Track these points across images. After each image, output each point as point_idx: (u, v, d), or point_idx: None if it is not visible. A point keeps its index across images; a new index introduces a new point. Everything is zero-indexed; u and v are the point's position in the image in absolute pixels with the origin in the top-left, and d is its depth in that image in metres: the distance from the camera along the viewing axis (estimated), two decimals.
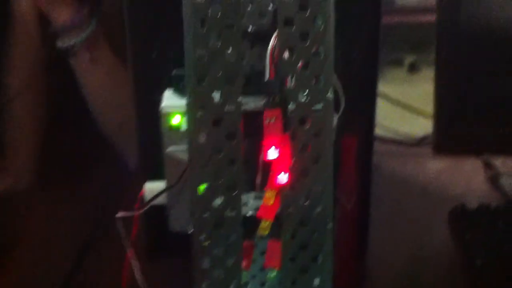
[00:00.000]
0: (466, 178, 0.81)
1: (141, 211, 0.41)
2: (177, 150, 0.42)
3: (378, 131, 0.85)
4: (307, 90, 0.35)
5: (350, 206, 0.56)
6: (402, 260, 0.65)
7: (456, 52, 0.65)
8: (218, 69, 0.34)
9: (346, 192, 0.56)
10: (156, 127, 0.42)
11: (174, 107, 0.41)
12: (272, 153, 0.35)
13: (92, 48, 0.70)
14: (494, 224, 0.66)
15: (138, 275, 0.41)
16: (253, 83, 0.38)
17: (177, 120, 0.41)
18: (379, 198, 0.69)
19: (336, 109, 0.39)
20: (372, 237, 0.64)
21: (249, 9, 0.41)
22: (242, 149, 0.36)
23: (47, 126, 0.76)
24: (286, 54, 0.35)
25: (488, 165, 0.82)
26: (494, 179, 0.79)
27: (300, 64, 0.35)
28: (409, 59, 1.48)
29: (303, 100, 0.35)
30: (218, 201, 0.37)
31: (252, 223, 0.37)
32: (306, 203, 0.37)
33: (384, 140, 0.89)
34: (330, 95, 0.35)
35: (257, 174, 0.38)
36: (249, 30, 0.41)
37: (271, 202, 0.36)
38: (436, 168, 0.83)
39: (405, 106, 0.97)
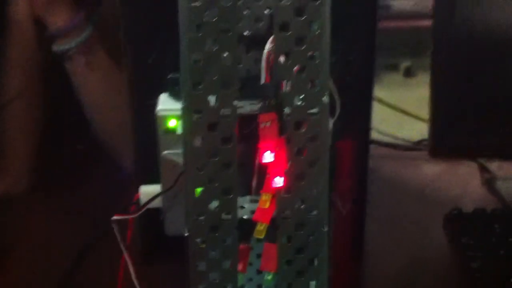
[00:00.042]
0: (462, 181, 0.81)
1: (137, 214, 0.41)
2: (172, 153, 0.42)
3: (375, 135, 0.85)
4: (303, 94, 0.35)
5: (346, 210, 0.57)
6: (398, 264, 0.65)
7: (452, 57, 0.65)
8: (214, 73, 0.34)
9: (342, 196, 0.56)
10: (152, 131, 0.42)
11: (169, 110, 0.41)
12: (268, 157, 0.35)
13: (88, 53, 0.70)
14: (490, 227, 0.66)
15: (133, 278, 0.41)
16: (249, 87, 0.38)
17: (172, 123, 0.41)
18: (375, 201, 0.69)
19: (332, 113, 0.39)
20: (368, 241, 0.64)
21: (245, 13, 0.41)
22: (238, 153, 0.36)
23: (44, 128, 0.76)
24: (282, 59, 0.35)
25: (484, 169, 0.82)
26: (490, 182, 0.79)
27: (296, 68, 0.35)
28: (405, 64, 1.49)
29: (298, 104, 0.35)
30: (214, 204, 0.37)
31: (248, 226, 0.37)
32: (302, 207, 0.37)
33: (380, 144, 0.89)
34: (325, 99, 0.35)
35: (252, 177, 0.38)
36: (245, 33, 0.41)
37: (267, 205, 0.36)
38: (432, 172, 0.83)
39: (401, 110, 0.97)
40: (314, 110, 0.35)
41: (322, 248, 0.38)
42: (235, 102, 0.35)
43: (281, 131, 0.35)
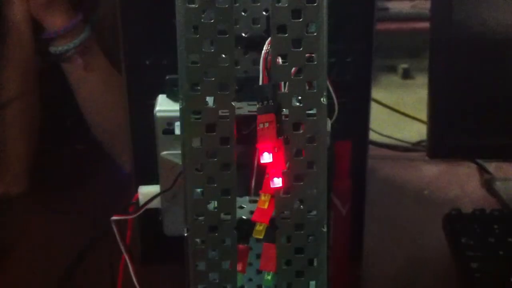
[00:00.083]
0: (461, 182, 0.81)
1: (136, 214, 0.41)
2: (171, 154, 0.42)
3: (374, 136, 0.85)
4: (301, 95, 0.35)
5: (345, 210, 0.57)
6: (397, 264, 0.65)
7: (449, 58, 0.66)
8: (212, 74, 0.35)
9: (341, 197, 0.56)
10: (150, 131, 0.42)
11: (168, 111, 0.41)
12: (267, 157, 0.35)
13: (86, 54, 0.71)
14: (489, 228, 0.66)
15: (133, 278, 0.41)
16: (247, 88, 0.38)
17: (171, 124, 0.41)
18: (375, 202, 0.69)
19: (331, 114, 0.39)
20: (367, 241, 0.64)
21: (243, 15, 0.41)
22: (236, 153, 0.36)
23: (43, 129, 0.76)
24: (279, 60, 0.35)
25: (482, 170, 0.82)
26: (489, 183, 0.79)
27: (293, 69, 0.35)
28: (403, 66, 1.49)
29: (297, 105, 0.35)
30: (212, 205, 0.37)
31: (247, 226, 0.37)
32: (302, 207, 0.37)
33: (379, 145, 0.89)
34: (323, 100, 0.35)
35: (251, 178, 0.38)
36: (244, 35, 0.42)
37: (266, 205, 0.37)
38: (431, 172, 0.83)
39: (400, 111, 0.98)
40: (312, 111, 0.36)
41: (322, 248, 0.38)
42: (233, 103, 0.35)
43: (280, 132, 0.35)
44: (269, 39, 0.35)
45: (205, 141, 0.36)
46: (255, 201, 0.37)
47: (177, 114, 0.36)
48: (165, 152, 0.42)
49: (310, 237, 0.37)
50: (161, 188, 0.42)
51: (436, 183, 0.81)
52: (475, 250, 0.63)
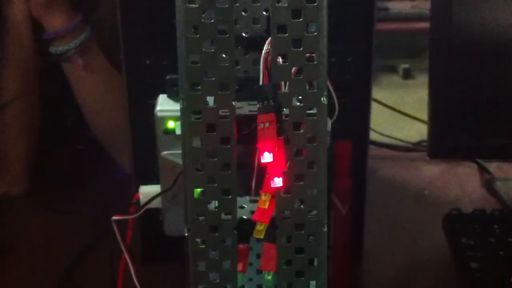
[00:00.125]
0: (461, 182, 0.81)
1: (136, 214, 0.41)
2: (171, 154, 0.42)
3: (374, 136, 0.85)
4: (301, 95, 0.35)
5: (345, 210, 0.57)
6: (397, 264, 0.65)
7: (450, 58, 0.66)
8: (212, 74, 0.35)
9: (341, 196, 0.56)
10: (151, 131, 0.42)
11: (168, 111, 0.41)
12: (267, 157, 0.35)
13: (86, 54, 0.71)
14: (490, 228, 0.66)
15: (133, 278, 0.41)
16: (247, 88, 0.38)
17: (171, 124, 0.41)
18: (375, 202, 0.69)
19: (331, 114, 0.39)
20: (367, 241, 0.64)
21: (243, 14, 0.41)
22: (237, 153, 0.36)
23: (43, 129, 0.76)
24: (279, 60, 0.35)
25: (483, 170, 0.82)
26: (489, 183, 0.79)
27: (294, 69, 0.35)
28: (403, 66, 1.49)
29: (297, 104, 0.35)
30: (213, 204, 0.37)
31: (247, 226, 0.37)
32: (302, 207, 0.37)
33: (380, 145, 0.89)
34: (324, 99, 0.35)
35: (252, 177, 0.38)
36: (244, 35, 0.42)
37: (266, 205, 0.37)
38: (431, 172, 0.83)
39: (400, 111, 0.98)
40: (313, 111, 0.36)
41: (322, 248, 0.38)
42: (234, 103, 0.35)
43: (280, 131, 0.35)
44: (269, 39, 0.35)
45: (205, 141, 0.36)
46: (256, 201, 0.37)
47: (178, 114, 0.36)
48: (165, 152, 0.42)
49: (311, 237, 0.37)
50: (161, 188, 0.42)
51: (436, 183, 0.81)
52: (475, 250, 0.63)
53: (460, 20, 0.64)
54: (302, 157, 0.36)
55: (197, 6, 0.34)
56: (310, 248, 0.38)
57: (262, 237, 0.37)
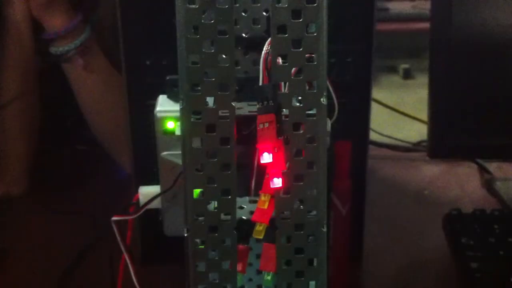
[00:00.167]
0: (461, 182, 0.81)
1: (136, 215, 0.41)
2: (171, 154, 0.42)
3: (374, 136, 0.85)
4: (301, 96, 0.35)
5: (345, 211, 0.57)
6: (397, 264, 0.65)
7: (450, 58, 0.66)
8: (212, 75, 0.35)
9: (341, 197, 0.56)
10: (151, 132, 0.42)
11: (168, 112, 0.41)
12: (267, 158, 0.35)
13: (86, 54, 0.71)
14: (490, 228, 0.66)
15: (133, 278, 0.41)
16: (247, 88, 0.38)
17: (171, 125, 0.41)
18: (375, 202, 0.69)
19: (331, 114, 0.39)
20: (367, 241, 0.64)
21: (243, 15, 0.41)
22: (237, 154, 0.36)
23: (43, 129, 0.76)
24: (279, 60, 0.35)
25: (483, 170, 0.82)
26: (489, 183, 0.79)
27: (293, 70, 0.35)
28: (403, 66, 1.50)
29: (297, 105, 0.35)
30: (212, 205, 0.37)
31: (247, 226, 0.37)
32: (301, 207, 0.37)
33: (379, 145, 0.89)
34: (323, 100, 0.36)
35: (251, 178, 0.38)
36: (244, 35, 0.42)
37: (266, 205, 0.37)
38: (431, 172, 0.84)
39: (400, 111, 0.98)
40: (312, 111, 0.36)
41: (322, 249, 0.38)
42: (234, 103, 0.35)
43: (280, 132, 0.35)
44: (269, 39, 0.35)
45: (205, 142, 0.36)
46: (255, 201, 0.37)
47: (178, 114, 0.36)
48: (165, 153, 0.42)
49: (310, 237, 0.37)
50: (161, 188, 0.42)
51: (436, 183, 0.81)
52: (475, 250, 0.63)
53: (460, 20, 0.64)
54: (301, 158, 0.36)
55: (197, 6, 0.34)
56: (309, 248, 0.38)
57: (261, 237, 0.37)
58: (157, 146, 0.42)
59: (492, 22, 0.65)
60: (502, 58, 0.67)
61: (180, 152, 0.37)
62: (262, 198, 0.37)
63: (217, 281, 0.38)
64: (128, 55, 0.57)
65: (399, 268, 0.65)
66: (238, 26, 0.41)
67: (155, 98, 0.43)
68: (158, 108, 0.42)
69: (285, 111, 0.35)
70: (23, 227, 0.72)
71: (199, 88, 0.35)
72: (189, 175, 0.36)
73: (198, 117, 0.35)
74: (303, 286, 0.38)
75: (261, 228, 0.37)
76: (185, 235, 0.37)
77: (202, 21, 0.34)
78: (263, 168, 0.36)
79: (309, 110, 0.36)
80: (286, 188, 0.36)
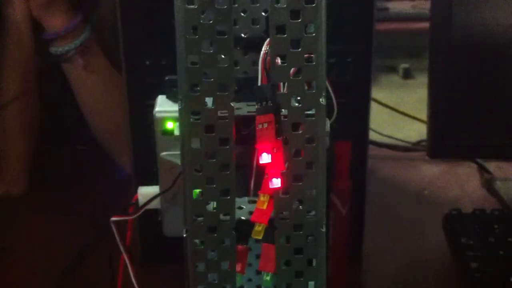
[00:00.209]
0: (461, 182, 0.81)
1: (135, 215, 0.41)
2: (170, 154, 0.42)
3: (374, 136, 0.85)
4: (300, 96, 0.35)
5: (345, 211, 0.57)
6: (397, 264, 0.65)
7: (449, 58, 0.66)
8: (211, 75, 0.35)
9: (341, 197, 0.56)
10: (150, 132, 0.42)
11: (167, 112, 0.41)
12: (265, 158, 0.35)
13: (86, 54, 0.71)
14: (489, 228, 0.66)
15: (132, 278, 0.41)
16: (246, 88, 0.38)
17: (170, 125, 0.41)
18: (375, 202, 0.69)
19: (330, 114, 0.39)
20: (367, 241, 0.64)
21: (242, 15, 0.41)
22: (236, 154, 0.36)
23: (43, 129, 0.76)
24: (278, 60, 0.35)
25: (483, 170, 0.82)
26: (489, 183, 0.79)
27: (292, 70, 0.35)
28: (403, 65, 1.50)
29: (295, 105, 0.35)
30: (211, 205, 0.37)
31: (246, 227, 0.37)
32: (300, 208, 0.37)
33: (379, 145, 0.89)
34: (322, 100, 0.35)
35: (250, 178, 0.38)
36: (243, 35, 0.42)
37: (265, 206, 0.37)
38: (431, 172, 0.83)
39: (400, 111, 0.98)
40: (311, 112, 0.36)
41: (321, 249, 0.38)
42: (233, 104, 0.35)
43: (279, 132, 0.35)
44: (268, 39, 0.35)
45: (204, 142, 0.36)
46: (254, 202, 0.37)
47: (177, 114, 0.36)
48: (164, 153, 0.42)
49: (309, 238, 0.37)
50: (160, 188, 0.42)
51: (436, 183, 0.81)
52: (475, 250, 0.63)
53: (460, 20, 0.64)
54: (300, 158, 0.36)
55: (196, 7, 0.34)
56: (309, 249, 0.38)
57: (260, 237, 0.37)
58: (156, 146, 0.42)
59: (492, 22, 0.65)
60: (502, 58, 0.67)
61: (179, 152, 0.37)
62: (261, 198, 0.37)
63: (217, 282, 0.38)
64: (128, 55, 0.57)
65: (399, 268, 0.65)
66: (237, 26, 0.41)
67: (155, 98, 0.43)
68: (157, 109, 0.42)
69: (284, 111, 0.35)
70: (23, 227, 0.72)
71: (198, 88, 0.35)
72: (188, 176, 0.36)
73: (197, 117, 0.35)
74: (303, 286, 0.38)
75: (260, 228, 0.37)
76: (184, 235, 0.37)
77: (201, 21, 0.34)
78: (262, 168, 0.36)
79: (308, 110, 0.36)
80: (285, 189, 0.36)
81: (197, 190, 0.36)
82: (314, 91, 0.35)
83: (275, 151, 0.35)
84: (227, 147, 0.36)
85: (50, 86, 0.76)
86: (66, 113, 0.80)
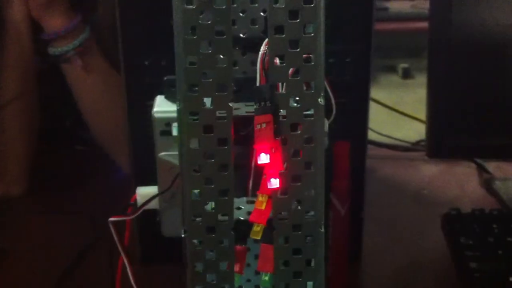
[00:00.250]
0: (460, 182, 0.81)
1: (134, 215, 0.41)
2: (169, 155, 0.42)
3: (373, 136, 0.85)
4: (298, 96, 0.35)
5: (344, 211, 0.57)
6: (396, 264, 0.65)
7: (448, 58, 0.66)
8: (209, 75, 0.35)
9: (340, 197, 0.56)
10: (149, 132, 0.42)
11: (165, 112, 0.41)
12: (264, 158, 0.35)
13: (85, 55, 0.71)
14: (489, 228, 0.66)
15: (131, 279, 0.41)
16: (245, 89, 0.38)
17: (168, 125, 0.41)
18: (374, 202, 0.69)
19: (328, 114, 0.40)
20: (366, 242, 0.65)
21: (241, 15, 0.41)
22: (234, 154, 0.36)
23: (42, 129, 0.76)
24: (277, 61, 0.35)
25: (482, 169, 0.82)
26: (488, 183, 0.79)
27: (291, 70, 0.35)
28: (402, 65, 1.50)
29: (294, 105, 0.36)
30: (210, 205, 0.37)
31: (245, 227, 0.37)
32: (299, 208, 0.37)
33: (378, 145, 0.89)
34: (321, 100, 0.36)
35: (249, 178, 0.38)
36: (242, 35, 0.42)
37: (263, 206, 0.37)
38: (430, 172, 0.84)
39: (399, 111, 0.98)
40: (310, 112, 0.36)
41: (319, 249, 0.38)
42: (231, 104, 0.35)
43: (277, 132, 0.35)
44: (267, 39, 0.35)
45: (202, 142, 0.36)
46: (253, 202, 0.37)
47: (175, 115, 0.36)
48: (163, 153, 0.42)
49: (308, 238, 0.37)
50: (159, 189, 0.42)
51: (435, 183, 0.81)
52: (474, 249, 0.63)
53: (460, 20, 0.64)
54: (299, 158, 0.36)
55: (194, 7, 0.34)
56: (307, 249, 0.38)
57: (259, 238, 0.37)
58: (155, 146, 0.42)
59: (492, 22, 0.65)
60: (502, 58, 0.67)
61: (178, 152, 0.37)
62: (260, 198, 0.37)
63: (215, 282, 0.38)
64: (127, 56, 0.57)
65: (398, 268, 0.65)
66: (235, 27, 0.41)
67: (153, 99, 0.43)
68: (155, 109, 0.42)
69: (282, 111, 0.35)
70: (23, 227, 0.72)
71: (197, 88, 0.35)
72: (186, 176, 0.36)
73: (196, 117, 0.35)
74: (301, 287, 0.38)
75: (258, 228, 0.37)
76: (183, 235, 0.37)
77: (200, 21, 0.34)
78: (260, 168, 0.36)
79: (307, 110, 0.36)
80: (283, 189, 0.36)
81: (196, 191, 0.36)
82: (312, 91, 0.35)
83: (273, 152, 0.35)
84: (226, 147, 0.36)
85: (49, 87, 0.76)
86: (65, 113, 0.80)
